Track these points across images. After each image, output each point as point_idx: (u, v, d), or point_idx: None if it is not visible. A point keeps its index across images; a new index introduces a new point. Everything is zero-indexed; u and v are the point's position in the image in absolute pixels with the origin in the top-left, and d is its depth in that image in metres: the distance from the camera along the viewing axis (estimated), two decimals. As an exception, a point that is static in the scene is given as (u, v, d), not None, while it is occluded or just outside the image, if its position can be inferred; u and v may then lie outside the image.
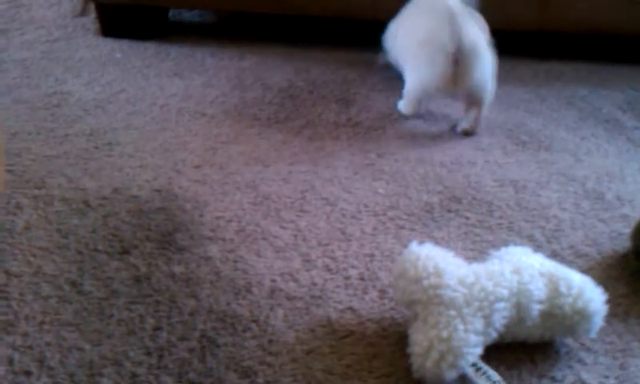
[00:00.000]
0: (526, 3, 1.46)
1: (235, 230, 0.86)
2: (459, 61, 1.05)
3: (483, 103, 1.13)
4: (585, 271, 0.80)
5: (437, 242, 0.85)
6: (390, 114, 1.21)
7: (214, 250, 0.82)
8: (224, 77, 1.33)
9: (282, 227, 0.88)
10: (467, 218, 0.91)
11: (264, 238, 0.85)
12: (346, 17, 1.50)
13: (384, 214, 0.92)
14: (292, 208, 0.92)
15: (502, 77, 1.41)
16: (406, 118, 1.20)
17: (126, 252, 0.81)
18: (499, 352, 0.67)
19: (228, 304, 0.74)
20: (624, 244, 0.87)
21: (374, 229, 0.88)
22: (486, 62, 1.09)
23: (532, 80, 1.42)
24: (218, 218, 0.89)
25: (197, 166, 1.01)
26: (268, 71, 1.37)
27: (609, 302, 0.69)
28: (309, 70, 1.38)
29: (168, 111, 1.18)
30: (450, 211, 0.93)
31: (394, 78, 1.30)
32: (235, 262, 0.81)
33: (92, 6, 1.52)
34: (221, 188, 0.95)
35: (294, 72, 1.37)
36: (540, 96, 1.34)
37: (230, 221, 0.88)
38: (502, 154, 1.09)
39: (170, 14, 1.60)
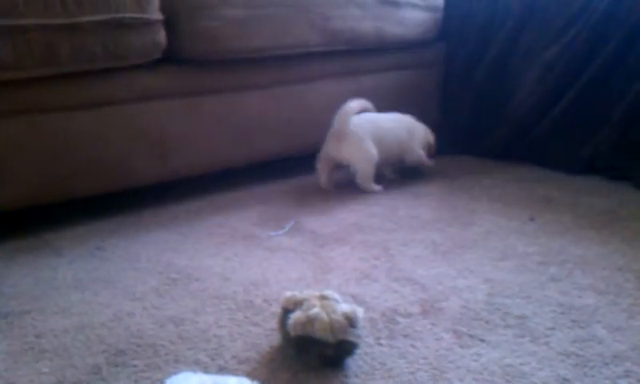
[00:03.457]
0: (149, 159, 1.60)
1: None
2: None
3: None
4: (249, 373, 0.88)
5: (107, 400, 0.84)
6: (41, 294, 1.17)
7: None
8: None
9: None
10: (135, 366, 0.92)
11: None
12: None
13: (49, 394, 0.87)
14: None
15: (143, 227, 1.50)
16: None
17: None
18: None
19: None
20: (276, 337, 0.98)
21: (40, 413, 0.83)
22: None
23: (173, 222, 1.53)
24: None
25: None
26: None
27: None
28: None
29: None
30: (117, 365, 0.92)
31: (36, 253, 1.27)
32: None
33: None
34: None
35: None
36: (183, 234, 1.45)
37: None
38: (156, 297, 1.14)
39: None
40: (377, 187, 1.78)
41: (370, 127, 1.77)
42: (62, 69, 1.40)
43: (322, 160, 1.79)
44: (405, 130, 1.86)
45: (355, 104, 1.72)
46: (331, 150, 1.75)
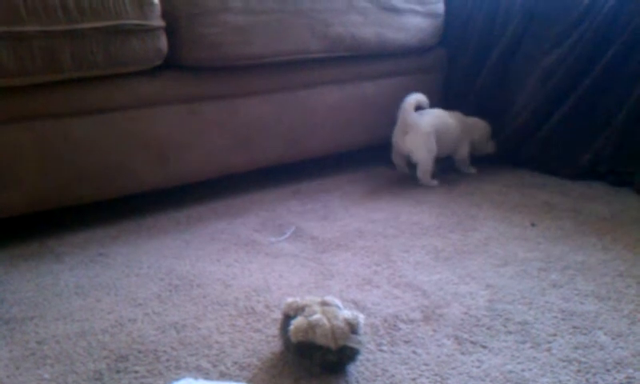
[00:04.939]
0: (150, 165, 1.60)
1: None
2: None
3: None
4: (250, 379, 0.89)
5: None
6: (43, 300, 1.17)
7: None
8: None
9: None
10: (136, 372, 0.92)
11: None
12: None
13: (50, 401, 0.87)
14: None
15: (145, 233, 1.50)
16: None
17: None
18: None
19: None
20: (277, 343, 0.98)
21: (41, 420, 0.83)
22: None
23: (175, 228, 1.53)
24: None
25: None
26: None
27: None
28: None
29: None
30: (118, 372, 0.92)
31: (37, 260, 1.27)
32: None
33: None
34: None
35: None
36: (184, 240, 1.44)
37: None
38: (158, 303, 1.14)
39: None
40: (434, 182, 1.87)
41: (436, 122, 1.88)
42: (63, 75, 1.40)
43: (394, 149, 1.93)
44: (461, 128, 1.96)
45: (414, 98, 1.85)
46: (397, 140, 1.89)
